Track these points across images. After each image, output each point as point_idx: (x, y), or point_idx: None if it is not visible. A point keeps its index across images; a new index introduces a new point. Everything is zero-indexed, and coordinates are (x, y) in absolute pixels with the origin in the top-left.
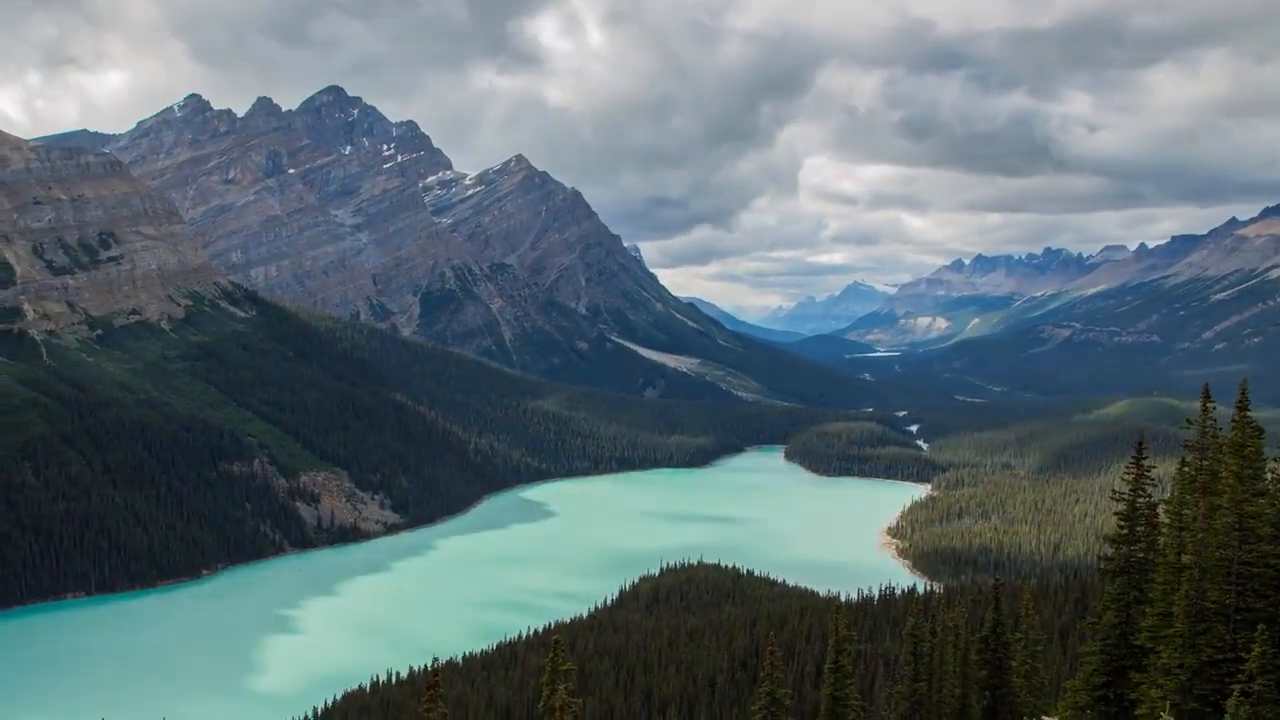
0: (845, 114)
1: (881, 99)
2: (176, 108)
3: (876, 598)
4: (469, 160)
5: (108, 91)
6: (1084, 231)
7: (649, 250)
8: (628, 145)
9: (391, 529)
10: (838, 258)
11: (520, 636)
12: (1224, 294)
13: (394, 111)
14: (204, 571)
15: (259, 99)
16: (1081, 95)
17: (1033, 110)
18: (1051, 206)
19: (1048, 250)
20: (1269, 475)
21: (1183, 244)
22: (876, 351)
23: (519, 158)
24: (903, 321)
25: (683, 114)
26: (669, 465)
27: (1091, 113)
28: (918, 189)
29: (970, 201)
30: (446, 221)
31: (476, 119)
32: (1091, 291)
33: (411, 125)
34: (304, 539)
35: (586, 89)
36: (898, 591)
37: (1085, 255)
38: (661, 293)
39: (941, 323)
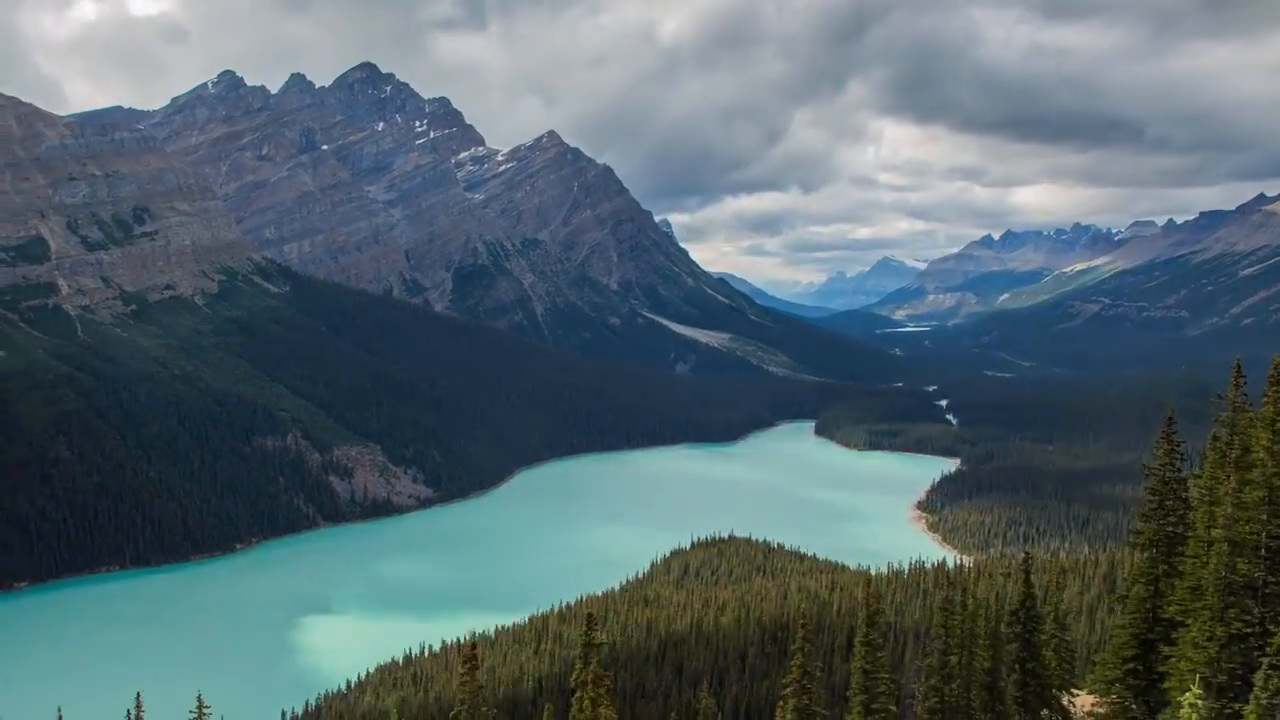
0: (931, 71)
1: (976, 58)
2: (210, 84)
3: (906, 571)
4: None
5: None
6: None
7: (714, 213)
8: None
9: (424, 503)
10: (893, 231)
11: (552, 610)
12: (1252, 269)
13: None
14: (238, 545)
15: (292, 75)
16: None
17: (1146, 74)
18: (1149, 180)
19: (1076, 225)
20: None
21: (1211, 220)
22: (906, 327)
23: (551, 134)
24: (932, 297)
25: (753, 68)
26: (700, 440)
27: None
28: (1001, 158)
29: (1056, 171)
30: (479, 197)
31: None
32: (1120, 267)
33: (444, 102)
34: (337, 513)
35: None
36: (928, 565)
37: (1114, 231)
38: (693, 268)
39: (971, 298)
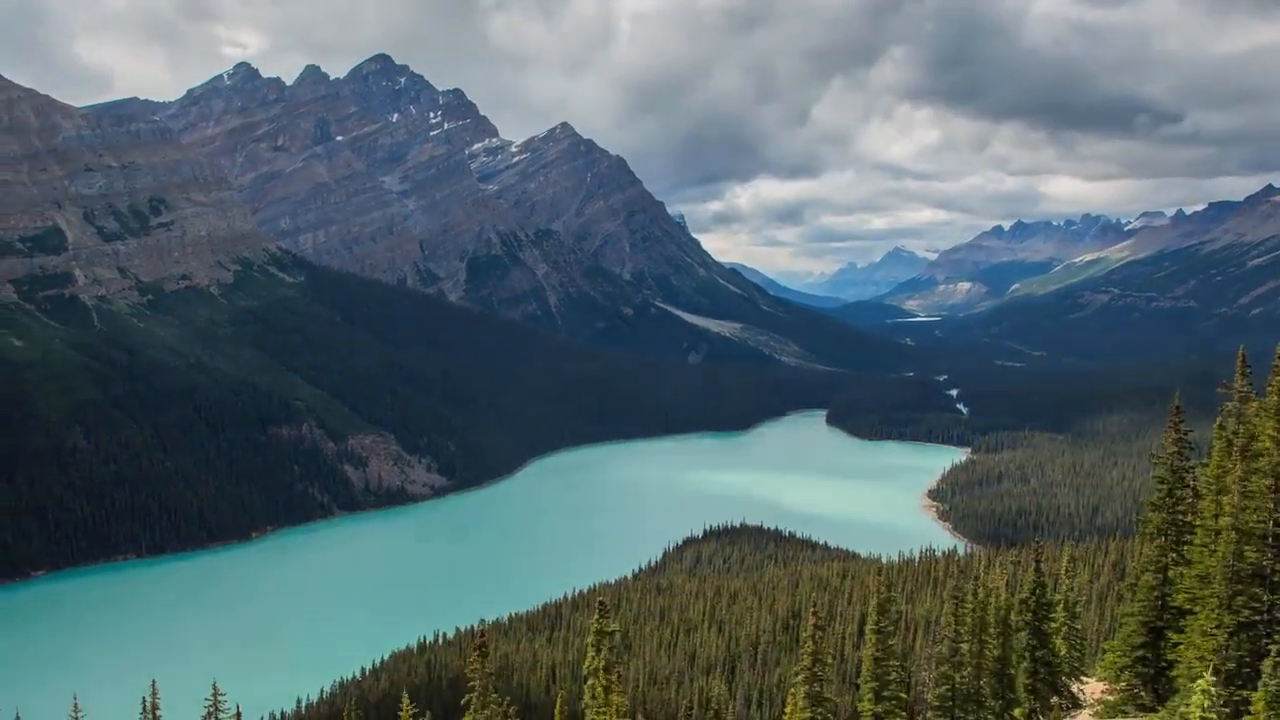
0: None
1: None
2: (226, 76)
3: (917, 560)
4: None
5: None
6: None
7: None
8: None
9: (438, 492)
10: (913, 221)
11: (565, 598)
12: (1261, 259)
13: None
14: (253, 533)
15: (307, 67)
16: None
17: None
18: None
19: (1086, 216)
20: None
21: (1220, 210)
22: (917, 317)
23: (564, 125)
24: (943, 287)
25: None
26: (712, 429)
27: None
28: (1030, 146)
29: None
30: (492, 188)
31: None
32: (1130, 257)
33: (458, 93)
34: (352, 502)
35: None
36: (938, 553)
37: (1123, 221)
38: (705, 258)
39: (981, 288)
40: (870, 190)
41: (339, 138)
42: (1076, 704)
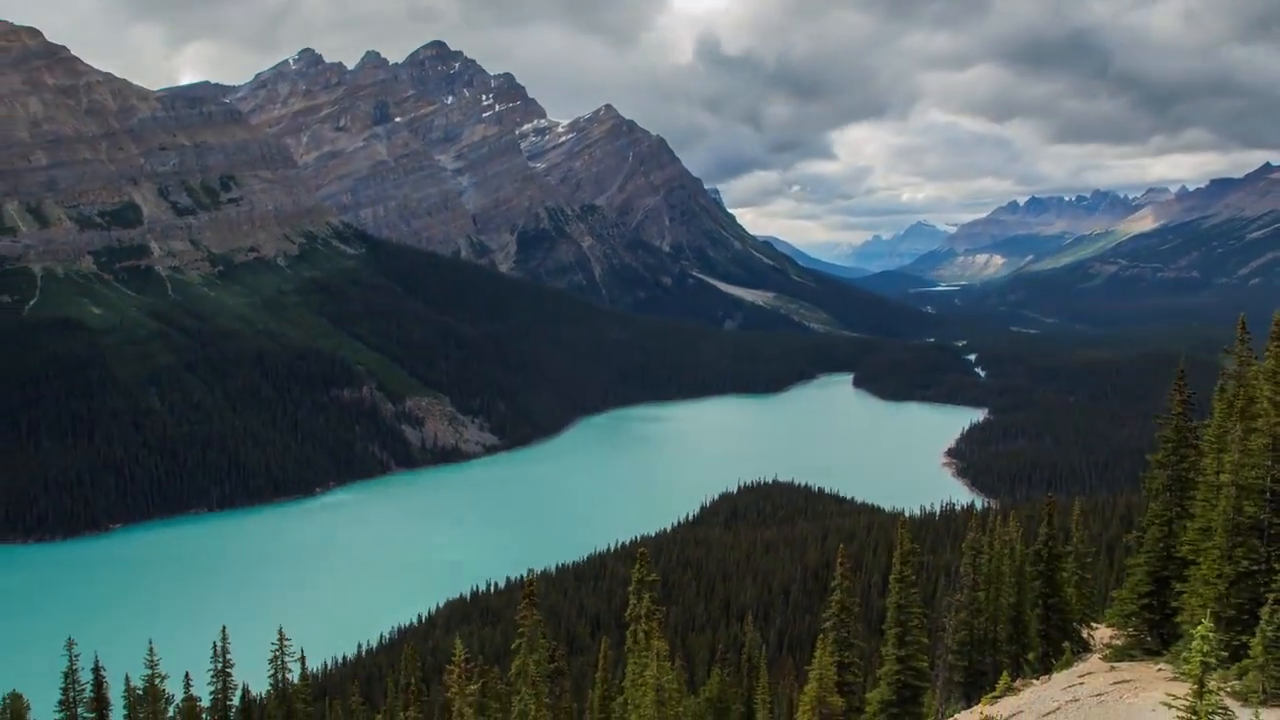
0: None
1: None
2: (291, 61)
3: (938, 513)
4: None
5: None
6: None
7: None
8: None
9: (490, 450)
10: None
11: (609, 549)
12: (1259, 233)
13: None
14: (317, 489)
15: (367, 52)
16: None
17: None
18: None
19: (1096, 192)
20: None
21: (1220, 187)
22: (938, 286)
23: (608, 107)
24: (962, 259)
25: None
26: (746, 392)
27: None
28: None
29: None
30: (540, 166)
31: None
32: (1136, 231)
33: (509, 77)
34: (409, 459)
35: None
36: (957, 507)
37: (1130, 197)
38: (740, 231)
39: (998, 260)
40: (942, 163)
41: (397, 119)
42: (1086, 648)
